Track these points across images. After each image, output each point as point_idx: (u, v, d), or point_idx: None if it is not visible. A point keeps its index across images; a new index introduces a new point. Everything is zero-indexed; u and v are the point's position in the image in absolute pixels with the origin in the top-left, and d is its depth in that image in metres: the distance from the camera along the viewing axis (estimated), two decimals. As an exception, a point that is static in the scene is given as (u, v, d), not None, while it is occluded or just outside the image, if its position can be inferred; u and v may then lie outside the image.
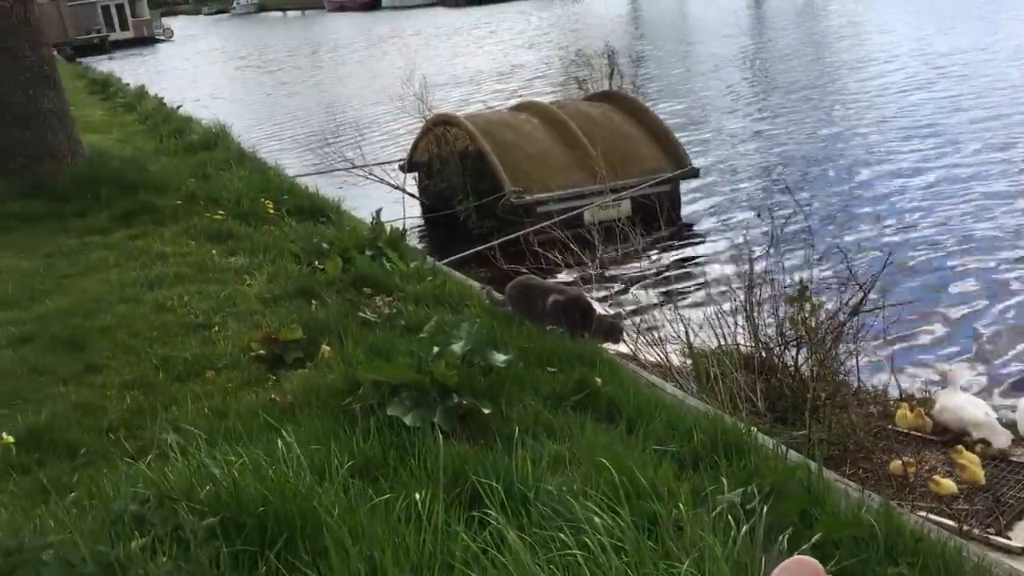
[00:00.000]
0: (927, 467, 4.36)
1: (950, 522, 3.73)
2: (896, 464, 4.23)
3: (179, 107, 14.25)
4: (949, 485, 4.11)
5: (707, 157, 12.66)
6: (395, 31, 48.31)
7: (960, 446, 4.34)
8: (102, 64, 34.32)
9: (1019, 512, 3.97)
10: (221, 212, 6.76)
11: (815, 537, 2.38)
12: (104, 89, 19.54)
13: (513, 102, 13.75)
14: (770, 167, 12.04)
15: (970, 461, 4.21)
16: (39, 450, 3.19)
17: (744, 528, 2.34)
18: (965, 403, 4.61)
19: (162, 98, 16.25)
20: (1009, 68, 17.05)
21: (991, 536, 3.75)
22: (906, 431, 4.70)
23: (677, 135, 11.08)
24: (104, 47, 51.61)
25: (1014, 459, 4.38)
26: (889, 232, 9.12)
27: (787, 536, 2.33)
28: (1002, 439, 4.48)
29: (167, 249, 5.89)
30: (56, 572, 1.81)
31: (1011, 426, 4.62)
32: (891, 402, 5.10)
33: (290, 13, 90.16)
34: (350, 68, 32.70)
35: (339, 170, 11.25)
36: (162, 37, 60.61)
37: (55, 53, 9.58)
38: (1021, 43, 19.63)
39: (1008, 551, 3.61)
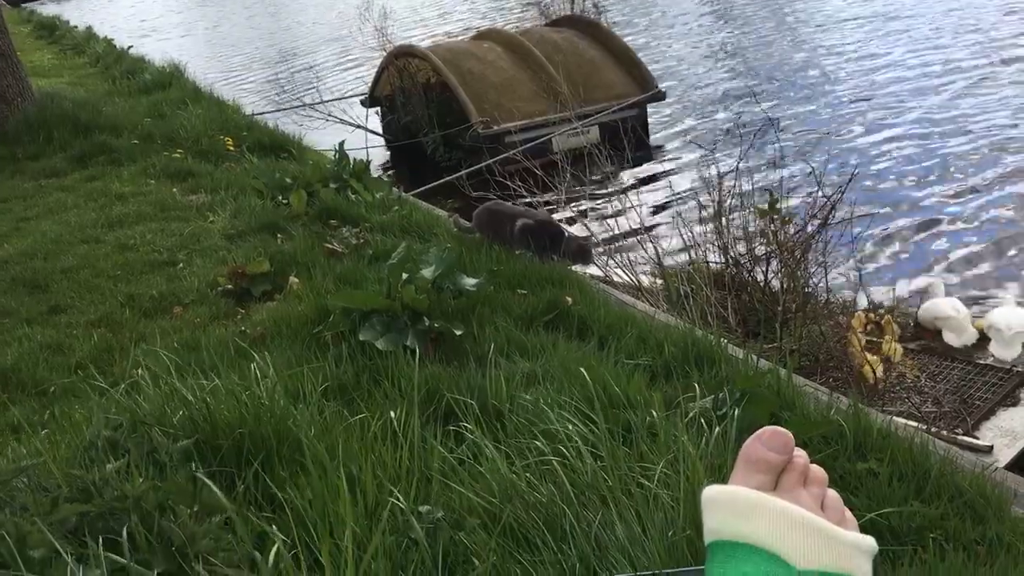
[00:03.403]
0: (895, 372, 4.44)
1: (920, 424, 3.81)
2: (867, 370, 4.31)
3: (130, 48, 13.83)
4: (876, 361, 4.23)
5: (674, 79, 12.55)
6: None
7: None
8: (48, 8, 33.14)
9: (986, 412, 4.06)
10: (180, 151, 6.63)
11: (786, 436, 2.42)
12: (51, 33, 18.91)
13: (474, 30, 13.47)
14: (737, 86, 11.96)
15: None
16: (7, 390, 3.16)
17: (716, 430, 2.38)
18: (939, 302, 4.70)
19: (112, 39, 15.75)
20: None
21: (959, 436, 3.83)
22: (870, 336, 4.76)
23: (643, 58, 10.95)
24: (48, -10, 49.70)
25: (981, 362, 4.47)
26: (858, 142, 9.13)
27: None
28: (963, 337, 4.58)
29: (126, 189, 5.78)
30: (30, 497, 1.80)
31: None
32: (859, 312, 5.17)
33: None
34: (308, 3, 31.86)
35: (296, 107, 11.02)
36: (109, -22, 58.43)
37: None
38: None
39: (975, 450, 3.70)
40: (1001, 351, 4.36)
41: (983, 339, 4.64)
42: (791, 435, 0.70)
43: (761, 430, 0.70)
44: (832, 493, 0.70)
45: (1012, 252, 6.46)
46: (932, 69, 11.41)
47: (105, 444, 2.12)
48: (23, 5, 35.68)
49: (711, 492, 0.68)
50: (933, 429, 3.81)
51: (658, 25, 17.42)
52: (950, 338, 4.62)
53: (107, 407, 2.44)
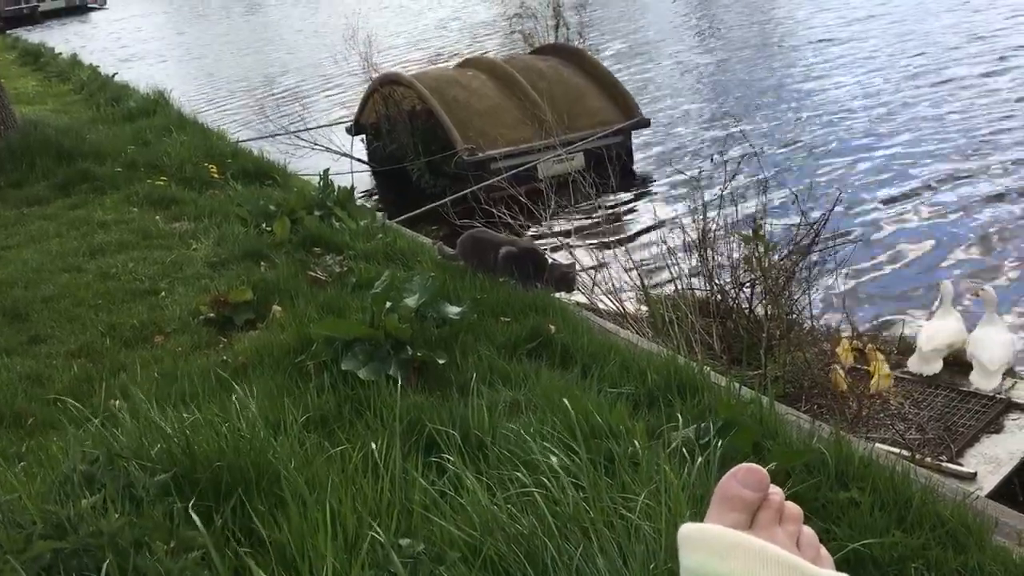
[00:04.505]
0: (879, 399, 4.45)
1: (904, 451, 3.81)
2: (838, 376, 4.34)
3: (115, 75, 13.83)
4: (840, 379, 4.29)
5: (658, 106, 12.66)
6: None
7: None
8: (33, 35, 33.17)
9: (969, 439, 4.07)
10: (163, 178, 6.61)
11: (768, 466, 2.42)
12: (36, 60, 18.89)
13: (458, 58, 13.56)
14: (720, 113, 12.06)
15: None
16: (-16, 421, 3.12)
17: (699, 460, 2.37)
18: (922, 331, 4.70)
19: (97, 66, 15.76)
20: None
21: (943, 463, 3.84)
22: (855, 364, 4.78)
23: (627, 85, 11.05)
24: (35, 17, 49.73)
25: (964, 389, 4.48)
26: (843, 166, 9.22)
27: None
28: (924, 367, 4.59)
29: (109, 217, 5.76)
30: (3, 534, 1.77)
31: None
32: (843, 340, 5.18)
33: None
34: (289, 29, 32.00)
35: (281, 134, 11.05)
36: (94, 5, 58.54)
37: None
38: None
39: (959, 477, 3.70)
40: (981, 382, 4.37)
41: (954, 365, 4.65)
42: (766, 472, 0.70)
43: (736, 467, 0.70)
44: (808, 530, 0.70)
45: (997, 276, 6.52)
46: (917, 90, 11.57)
47: (81, 478, 2.09)
48: (8, 32, 35.74)
49: (687, 530, 0.68)
50: (918, 456, 3.82)
51: (641, 53, 17.59)
52: (913, 363, 4.64)
53: (84, 440, 2.41)
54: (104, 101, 10.84)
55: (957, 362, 4.66)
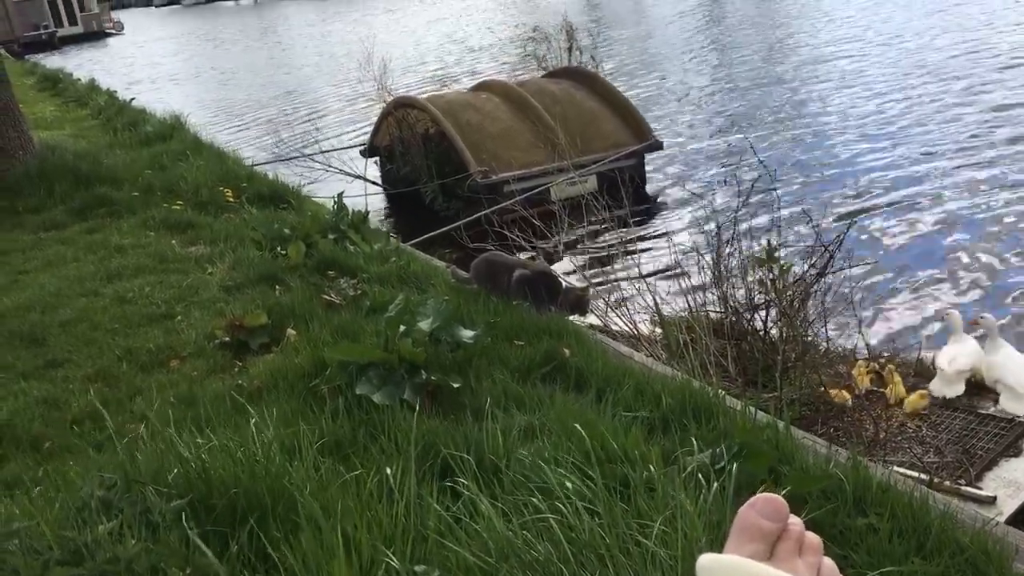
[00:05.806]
0: (895, 421, 4.42)
1: (921, 475, 3.77)
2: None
3: (132, 100, 13.99)
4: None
5: (671, 129, 12.69)
6: (343, 15, 48.04)
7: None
8: (52, 60, 33.63)
9: (988, 463, 4.02)
10: (180, 202, 6.67)
11: (784, 492, 2.40)
12: (54, 85, 19.12)
13: (472, 82, 13.65)
14: (734, 136, 12.07)
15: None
16: (2, 446, 3.14)
17: (715, 486, 2.35)
18: (947, 350, 4.68)
19: (114, 91, 15.94)
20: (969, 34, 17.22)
21: (962, 487, 3.80)
22: (870, 387, 4.76)
23: (639, 108, 11.08)
24: (53, 43, 50.47)
25: (982, 411, 4.44)
26: (856, 192, 9.20)
27: (758, 492, 2.35)
28: (947, 389, 4.56)
29: (125, 241, 5.80)
30: (21, 560, 1.78)
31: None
32: (860, 361, 5.15)
33: (242, 1, 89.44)
34: (302, 54, 32.34)
35: (296, 157, 11.14)
36: (112, 31, 59.39)
37: (2, 50, 9.40)
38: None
39: (978, 500, 3.66)
40: (1012, 405, 4.33)
41: (971, 388, 4.61)
42: (785, 502, 0.69)
43: (755, 497, 0.70)
44: (828, 562, 0.69)
45: (1013, 295, 6.47)
46: (936, 112, 11.54)
47: (98, 504, 2.10)
48: (27, 57, 36.24)
49: (705, 561, 0.68)
50: (936, 480, 3.78)
51: (654, 76, 17.66)
52: (935, 386, 4.61)
53: (101, 465, 2.42)
54: (121, 126, 10.95)
55: (974, 384, 4.63)
